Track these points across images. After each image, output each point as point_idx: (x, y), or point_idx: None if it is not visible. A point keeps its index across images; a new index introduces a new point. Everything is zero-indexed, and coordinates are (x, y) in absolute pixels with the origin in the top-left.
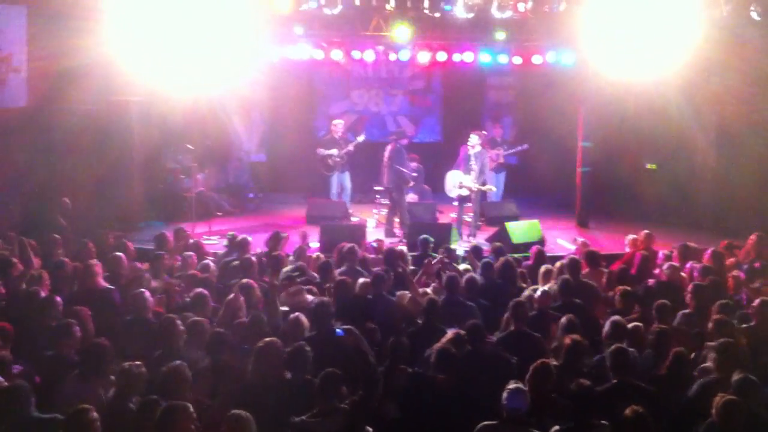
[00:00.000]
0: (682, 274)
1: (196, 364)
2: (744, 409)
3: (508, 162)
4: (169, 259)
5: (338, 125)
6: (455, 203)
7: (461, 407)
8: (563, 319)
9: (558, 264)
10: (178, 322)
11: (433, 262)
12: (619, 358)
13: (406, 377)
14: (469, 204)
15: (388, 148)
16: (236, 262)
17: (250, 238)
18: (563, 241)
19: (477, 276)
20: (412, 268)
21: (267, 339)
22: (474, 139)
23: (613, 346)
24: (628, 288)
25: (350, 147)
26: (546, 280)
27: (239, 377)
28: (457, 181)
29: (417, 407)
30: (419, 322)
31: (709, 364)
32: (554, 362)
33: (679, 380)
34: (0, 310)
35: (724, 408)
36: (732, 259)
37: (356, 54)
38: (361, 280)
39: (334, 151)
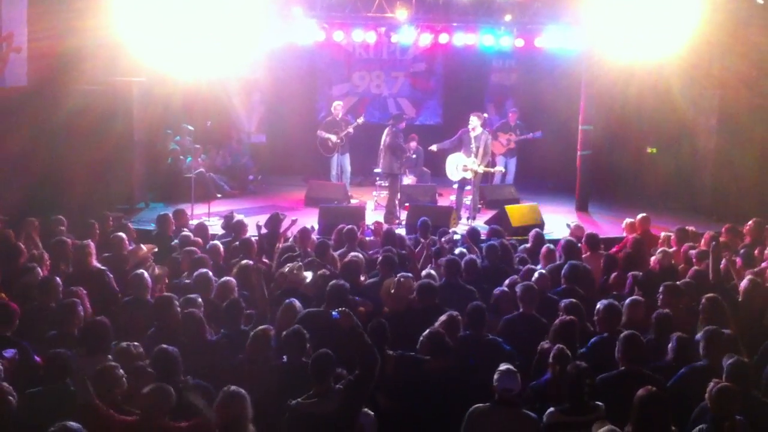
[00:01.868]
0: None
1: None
2: (738, 394)
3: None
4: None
5: (338, 107)
6: (455, 186)
7: (452, 391)
8: (566, 302)
9: (545, 248)
10: (175, 302)
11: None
12: (633, 346)
13: (392, 361)
14: (469, 187)
15: (386, 132)
16: (236, 243)
17: (245, 220)
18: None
19: (477, 259)
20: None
21: (261, 327)
22: (474, 121)
23: (627, 333)
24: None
25: (350, 129)
26: (547, 261)
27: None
28: (459, 164)
29: (404, 390)
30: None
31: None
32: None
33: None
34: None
35: (719, 395)
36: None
37: (358, 35)
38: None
39: (333, 136)
